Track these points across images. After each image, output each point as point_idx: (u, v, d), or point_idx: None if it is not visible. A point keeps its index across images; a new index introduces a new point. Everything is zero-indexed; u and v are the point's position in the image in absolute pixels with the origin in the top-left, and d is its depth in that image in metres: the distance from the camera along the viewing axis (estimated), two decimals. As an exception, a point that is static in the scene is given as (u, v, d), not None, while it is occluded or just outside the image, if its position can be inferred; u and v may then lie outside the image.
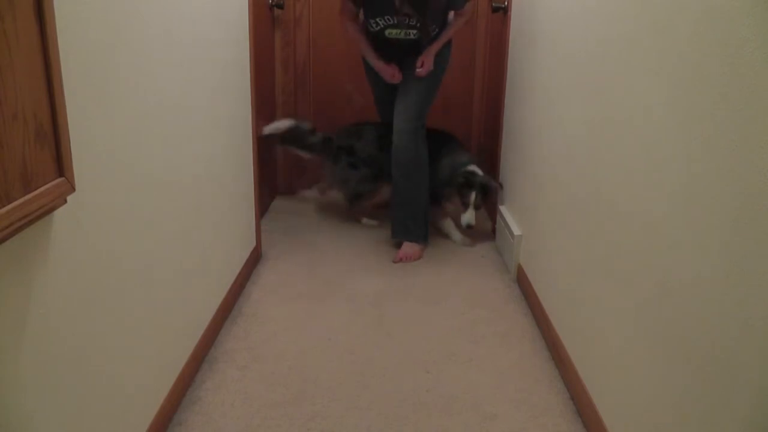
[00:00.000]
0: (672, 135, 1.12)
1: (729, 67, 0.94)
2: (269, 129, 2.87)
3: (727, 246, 0.94)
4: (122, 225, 1.23)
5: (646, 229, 1.23)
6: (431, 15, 2.47)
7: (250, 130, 2.37)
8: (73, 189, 0.94)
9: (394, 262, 2.57)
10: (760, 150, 0.85)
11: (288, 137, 2.94)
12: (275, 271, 2.46)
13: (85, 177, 1.04)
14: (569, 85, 1.76)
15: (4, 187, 0.78)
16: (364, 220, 3.00)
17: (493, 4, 2.69)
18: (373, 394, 1.68)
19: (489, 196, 2.72)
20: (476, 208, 2.65)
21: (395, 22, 2.49)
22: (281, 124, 2.90)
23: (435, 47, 2.56)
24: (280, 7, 3.10)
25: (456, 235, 2.82)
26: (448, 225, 2.85)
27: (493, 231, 2.84)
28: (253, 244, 2.46)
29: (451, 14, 2.59)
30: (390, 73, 2.62)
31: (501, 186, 2.69)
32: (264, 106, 2.81)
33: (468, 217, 2.65)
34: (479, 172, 2.67)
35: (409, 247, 2.62)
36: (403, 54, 2.61)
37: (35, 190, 0.84)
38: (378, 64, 2.64)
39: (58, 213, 0.97)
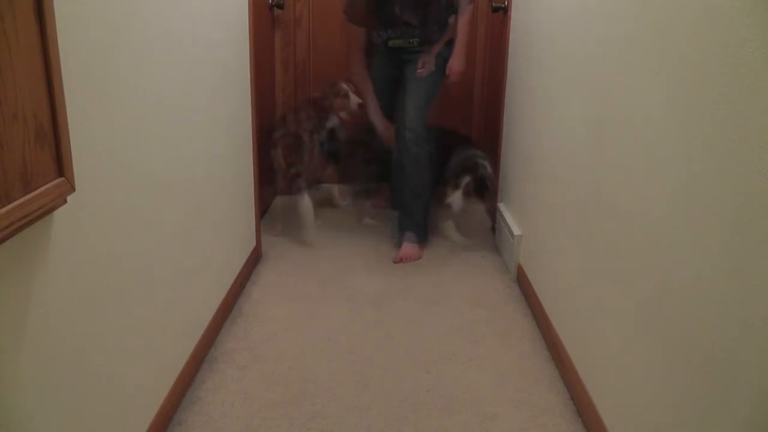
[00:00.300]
0: (672, 135, 1.12)
1: (729, 67, 0.93)
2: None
3: (727, 246, 0.94)
4: (122, 225, 1.23)
5: (646, 229, 1.23)
6: (431, 21, 2.50)
7: (250, 130, 2.37)
8: (73, 189, 0.94)
9: (395, 262, 2.57)
10: (760, 150, 0.85)
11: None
12: (275, 271, 2.46)
13: (85, 177, 1.04)
14: (569, 85, 1.76)
15: (4, 187, 0.78)
16: (366, 220, 3.00)
17: (493, 4, 2.69)
18: (373, 394, 1.68)
19: (483, 193, 2.71)
20: (466, 194, 2.63)
21: (397, 33, 2.57)
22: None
23: (436, 48, 2.58)
24: (280, 7, 3.09)
25: (456, 236, 2.82)
26: (449, 227, 2.85)
27: (493, 230, 2.84)
28: (253, 244, 2.46)
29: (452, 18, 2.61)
30: (387, 136, 2.76)
31: (488, 187, 2.69)
32: (264, 106, 2.81)
33: (453, 197, 2.63)
34: (487, 166, 2.67)
35: (409, 248, 2.62)
36: (407, 58, 2.65)
37: (35, 190, 0.84)
38: (378, 122, 2.79)
39: (58, 213, 0.97)
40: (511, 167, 2.57)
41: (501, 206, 2.68)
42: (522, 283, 2.31)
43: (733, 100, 0.92)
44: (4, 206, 0.78)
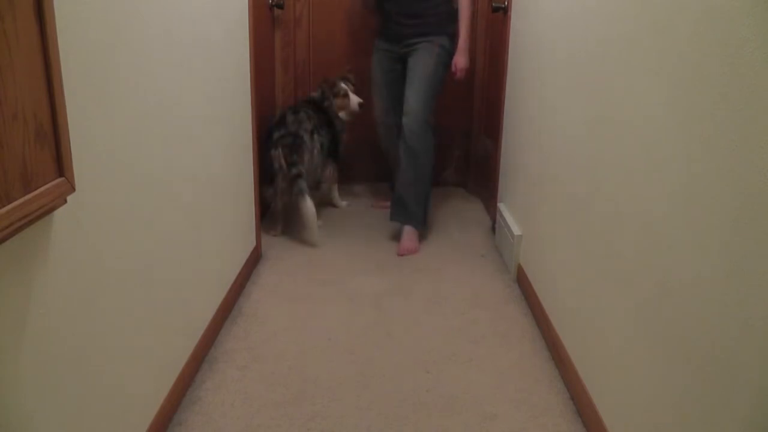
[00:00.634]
0: (672, 135, 1.12)
1: (729, 67, 0.93)
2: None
3: (727, 246, 0.94)
4: (122, 225, 1.23)
5: (646, 229, 1.23)
6: None
7: (250, 131, 2.37)
8: (73, 189, 0.94)
9: (399, 255, 2.61)
10: (760, 150, 0.85)
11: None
12: (275, 271, 2.46)
13: (85, 177, 1.04)
14: (569, 85, 1.76)
15: (4, 187, 0.78)
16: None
17: (493, 4, 2.69)
18: (373, 394, 1.68)
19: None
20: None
21: None
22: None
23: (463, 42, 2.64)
24: (280, 7, 3.09)
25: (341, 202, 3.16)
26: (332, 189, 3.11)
27: (493, 230, 2.84)
28: (253, 244, 2.46)
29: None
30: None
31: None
32: (264, 106, 2.81)
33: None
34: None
35: (408, 240, 2.67)
36: (406, 51, 2.67)
37: (35, 190, 0.84)
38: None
39: (58, 213, 0.97)
40: (511, 167, 2.57)
41: (501, 206, 2.68)
42: (522, 283, 2.31)
43: (733, 100, 0.92)
44: (4, 206, 0.78)
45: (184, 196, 1.61)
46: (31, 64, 0.82)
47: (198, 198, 1.73)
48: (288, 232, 2.84)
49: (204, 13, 1.73)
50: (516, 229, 2.39)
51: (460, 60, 2.64)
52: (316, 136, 2.78)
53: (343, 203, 3.23)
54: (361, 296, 2.25)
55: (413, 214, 2.69)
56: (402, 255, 2.62)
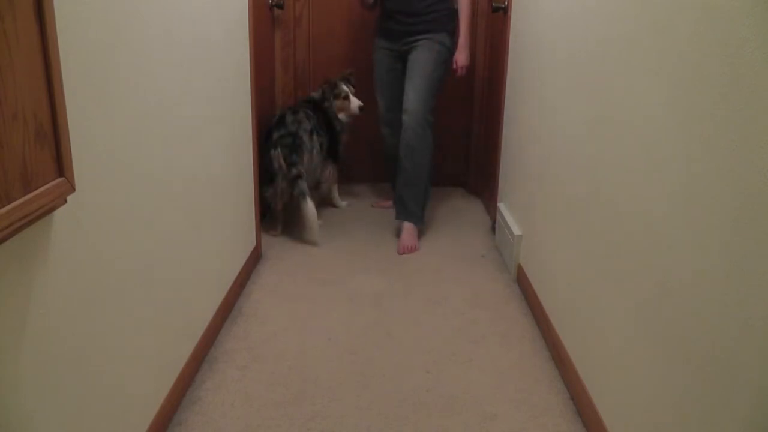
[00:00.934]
0: (672, 135, 1.12)
1: (729, 67, 0.93)
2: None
3: (727, 246, 0.94)
4: (122, 225, 1.23)
5: (646, 229, 1.23)
6: None
7: (250, 130, 2.37)
8: (73, 189, 0.94)
9: (400, 253, 2.63)
10: (760, 150, 0.85)
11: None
12: (275, 271, 2.46)
13: (85, 177, 1.04)
14: (569, 85, 1.76)
15: (4, 187, 0.78)
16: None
17: (493, 4, 2.69)
18: (373, 394, 1.68)
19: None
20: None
21: None
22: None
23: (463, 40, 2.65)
24: (280, 7, 3.09)
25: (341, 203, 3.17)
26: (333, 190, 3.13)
27: (493, 230, 2.84)
28: (253, 244, 2.46)
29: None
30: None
31: None
32: (264, 106, 2.81)
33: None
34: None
35: (407, 237, 2.68)
36: (407, 48, 2.67)
37: (35, 190, 0.84)
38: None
39: (58, 213, 0.97)
40: (511, 167, 2.57)
41: (501, 206, 2.68)
42: (522, 283, 2.31)
43: (733, 100, 0.92)
44: (4, 206, 0.78)
45: (184, 196, 1.61)
46: (31, 64, 0.82)
47: (198, 198, 1.73)
48: (288, 232, 2.84)
49: (204, 13, 1.73)
50: (516, 229, 2.39)
51: (461, 57, 2.64)
52: (315, 137, 2.78)
53: (343, 203, 3.23)
54: (361, 296, 2.25)
55: (412, 211, 2.71)
56: (402, 253, 2.63)
